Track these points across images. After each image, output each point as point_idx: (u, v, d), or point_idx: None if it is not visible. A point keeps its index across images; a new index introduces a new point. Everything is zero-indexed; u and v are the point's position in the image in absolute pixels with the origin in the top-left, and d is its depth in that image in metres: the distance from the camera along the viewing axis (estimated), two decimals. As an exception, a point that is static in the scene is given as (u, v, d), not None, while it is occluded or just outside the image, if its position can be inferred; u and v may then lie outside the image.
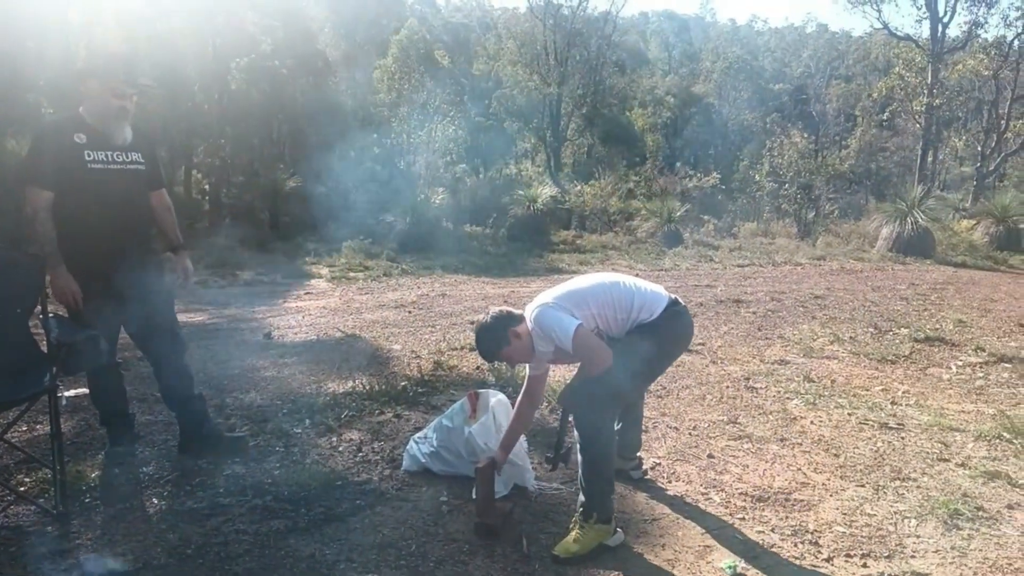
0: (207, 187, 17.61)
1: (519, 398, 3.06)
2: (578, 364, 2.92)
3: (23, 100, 12.00)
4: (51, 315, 2.98)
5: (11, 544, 2.67)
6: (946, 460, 3.72)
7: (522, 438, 3.35)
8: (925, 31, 23.34)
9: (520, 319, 2.88)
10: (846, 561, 2.71)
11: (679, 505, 3.16)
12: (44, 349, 3.07)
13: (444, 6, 53.34)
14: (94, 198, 3.07)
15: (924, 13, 22.99)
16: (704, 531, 2.91)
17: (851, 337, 6.50)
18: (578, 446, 2.78)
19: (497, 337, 2.84)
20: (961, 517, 3.04)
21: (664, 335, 2.86)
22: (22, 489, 3.11)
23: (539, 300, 2.86)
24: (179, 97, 15.43)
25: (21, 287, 2.98)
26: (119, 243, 3.17)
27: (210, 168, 17.20)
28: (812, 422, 4.26)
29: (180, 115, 15.93)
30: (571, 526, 2.78)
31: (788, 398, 4.73)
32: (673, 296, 2.95)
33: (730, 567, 2.61)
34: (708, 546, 2.79)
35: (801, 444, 3.90)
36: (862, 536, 2.89)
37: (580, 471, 2.79)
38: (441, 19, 44.01)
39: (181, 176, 17.17)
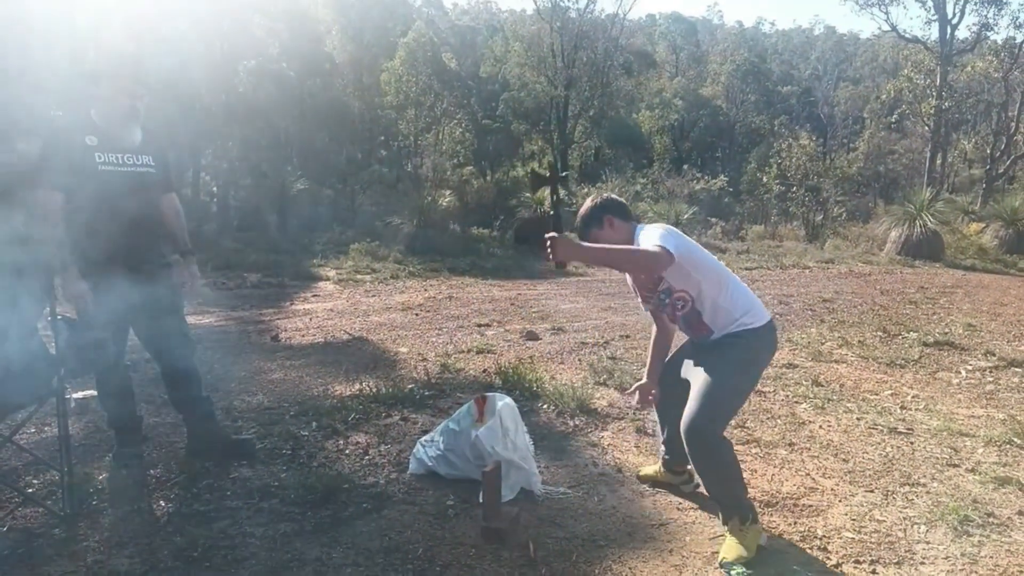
0: (215, 189, 17.70)
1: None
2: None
3: (32, 103, 12.07)
4: (60, 317, 2.99)
5: (19, 546, 2.68)
6: (956, 465, 3.69)
7: (529, 442, 3.35)
8: (934, 33, 23.40)
9: (625, 216, 2.95)
10: (855, 567, 2.69)
11: (687, 510, 3.15)
12: (52, 351, 3.08)
13: (451, 9, 53.40)
14: (104, 200, 3.07)
15: (933, 15, 23.03)
16: (712, 536, 2.89)
17: (860, 341, 6.46)
18: (697, 469, 2.79)
19: (592, 217, 2.94)
20: (971, 523, 3.02)
21: (768, 345, 2.93)
22: (30, 491, 3.12)
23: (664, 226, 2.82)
24: (186, 100, 15.50)
25: (31, 289, 2.99)
26: (129, 245, 3.18)
27: (218, 170, 17.29)
28: (821, 427, 4.24)
29: (187, 118, 16.02)
30: (726, 534, 2.76)
31: (796, 402, 4.70)
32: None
33: (738, 573, 2.59)
34: (716, 552, 2.77)
35: (809, 449, 3.88)
36: (871, 542, 2.87)
37: (710, 490, 2.81)
38: (448, 22, 44.04)
39: (189, 178, 17.24)
